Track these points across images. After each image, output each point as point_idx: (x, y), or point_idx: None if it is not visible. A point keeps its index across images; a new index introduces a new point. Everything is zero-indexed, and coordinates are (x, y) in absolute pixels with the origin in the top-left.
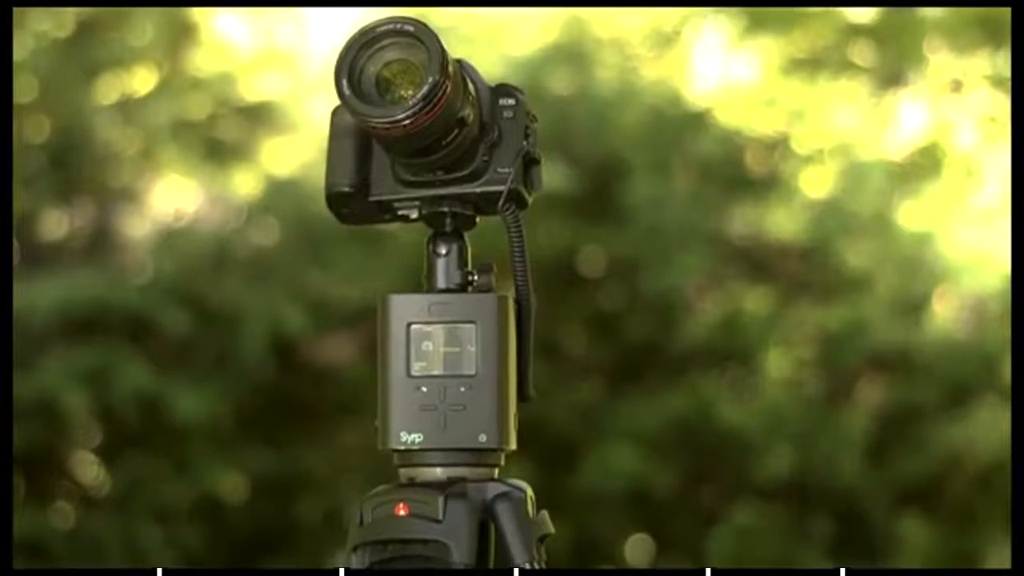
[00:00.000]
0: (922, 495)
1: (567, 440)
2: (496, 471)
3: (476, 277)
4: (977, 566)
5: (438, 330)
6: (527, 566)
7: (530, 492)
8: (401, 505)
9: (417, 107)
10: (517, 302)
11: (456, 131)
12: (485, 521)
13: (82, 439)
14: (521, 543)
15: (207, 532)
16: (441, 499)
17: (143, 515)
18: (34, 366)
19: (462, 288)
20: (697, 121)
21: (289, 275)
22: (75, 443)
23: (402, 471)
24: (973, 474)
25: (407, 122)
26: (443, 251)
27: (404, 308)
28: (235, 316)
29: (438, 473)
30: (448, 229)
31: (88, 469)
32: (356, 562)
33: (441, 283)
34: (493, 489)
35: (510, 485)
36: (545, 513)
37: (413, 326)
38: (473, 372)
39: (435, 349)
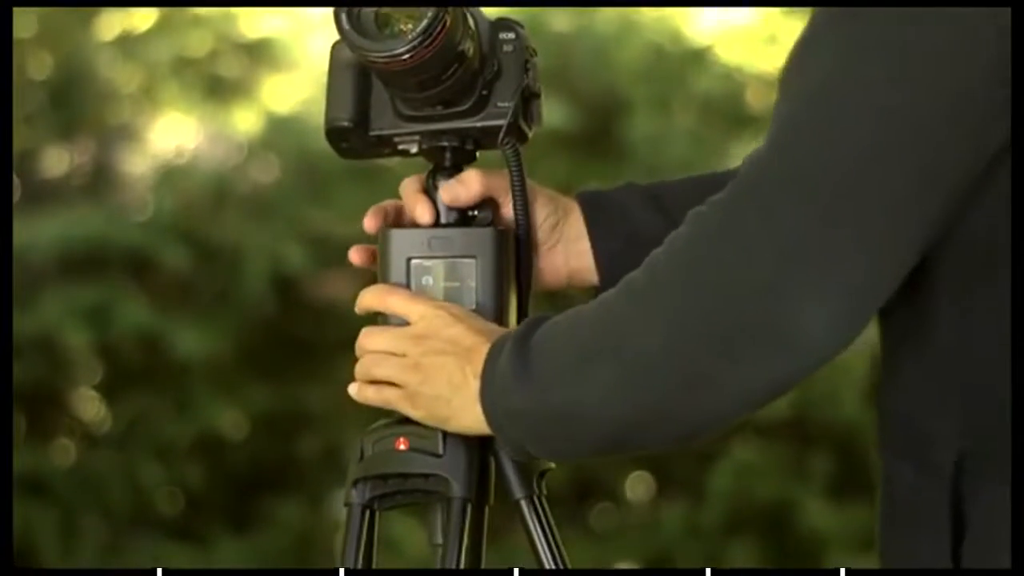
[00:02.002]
0: None
1: None
2: None
3: (476, 212)
4: None
5: (438, 265)
6: (526, 501)
7: None
8: (401, 439)
9: (416, 41)
10: (517, 236)
11: (455, 65)
12: (485, 455)
13: (83, 376)
14: (520, 478)
15: (207, 469)
16: (441, 433)
17: (144, 452)
18: (34, 303)
19: (462, 223)
20: (698, 58)
21: (289, 212)
22: (76, 380)
23: None
24: None
25: (406, 56)
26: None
27: (404, 243)
28: (235, 253)
29: None
30: (448, 164)
31: (89, 406)
32: (356, 497)
33: (441, 218)
34: None
35: None
36: None
37: (413, 261)
38: (473, 307)
39: (435, 284)
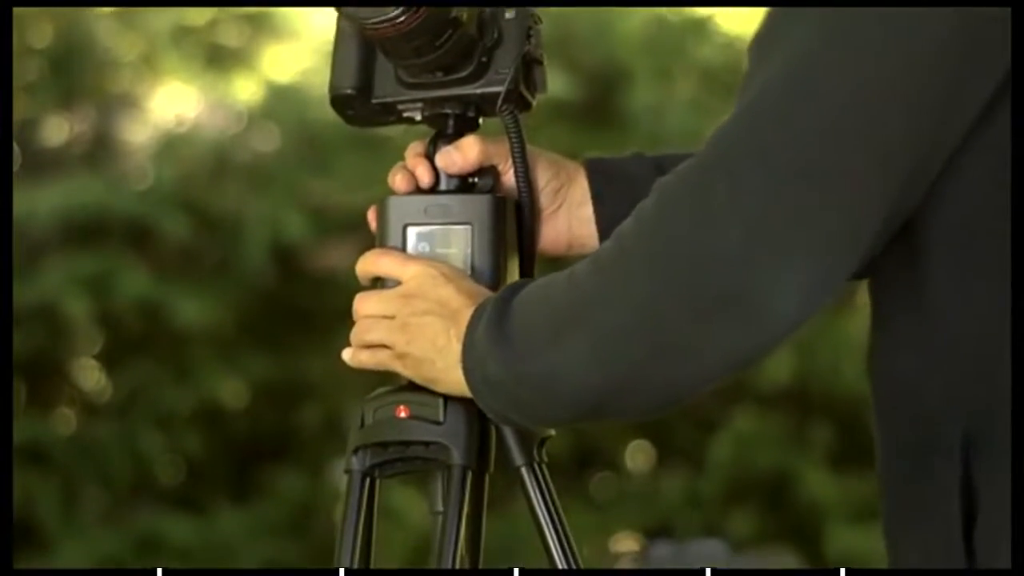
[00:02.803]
0: None
1: None
2: None
3: (477, 179)
4: None
5: (434, 231)
6: (526, 468)
7: None
8: (402, 407)
9: (401, 7)
10: (518, 204)
11: (449, 31)
12: (486, 423)
13: (83, 345)
14: (521, 445)
15: (208, 438)
16: (442, 400)
17: (144, 421)
18: (34, 272)
19: (462, 190)
20: (698, 28)
21: (290, 182)
22: (76, 349)
23: None
24: None
25: (398, 20)
26: None
27: (401, 210)
28: (236, 223)
29: None
30: (450, 131)
31: (89, 375)
32: (356, 464)
33: (441, 185)
34: None
35: None
36: None
37: (410, 228)
38: (469, 274)
39: (431, 251)
